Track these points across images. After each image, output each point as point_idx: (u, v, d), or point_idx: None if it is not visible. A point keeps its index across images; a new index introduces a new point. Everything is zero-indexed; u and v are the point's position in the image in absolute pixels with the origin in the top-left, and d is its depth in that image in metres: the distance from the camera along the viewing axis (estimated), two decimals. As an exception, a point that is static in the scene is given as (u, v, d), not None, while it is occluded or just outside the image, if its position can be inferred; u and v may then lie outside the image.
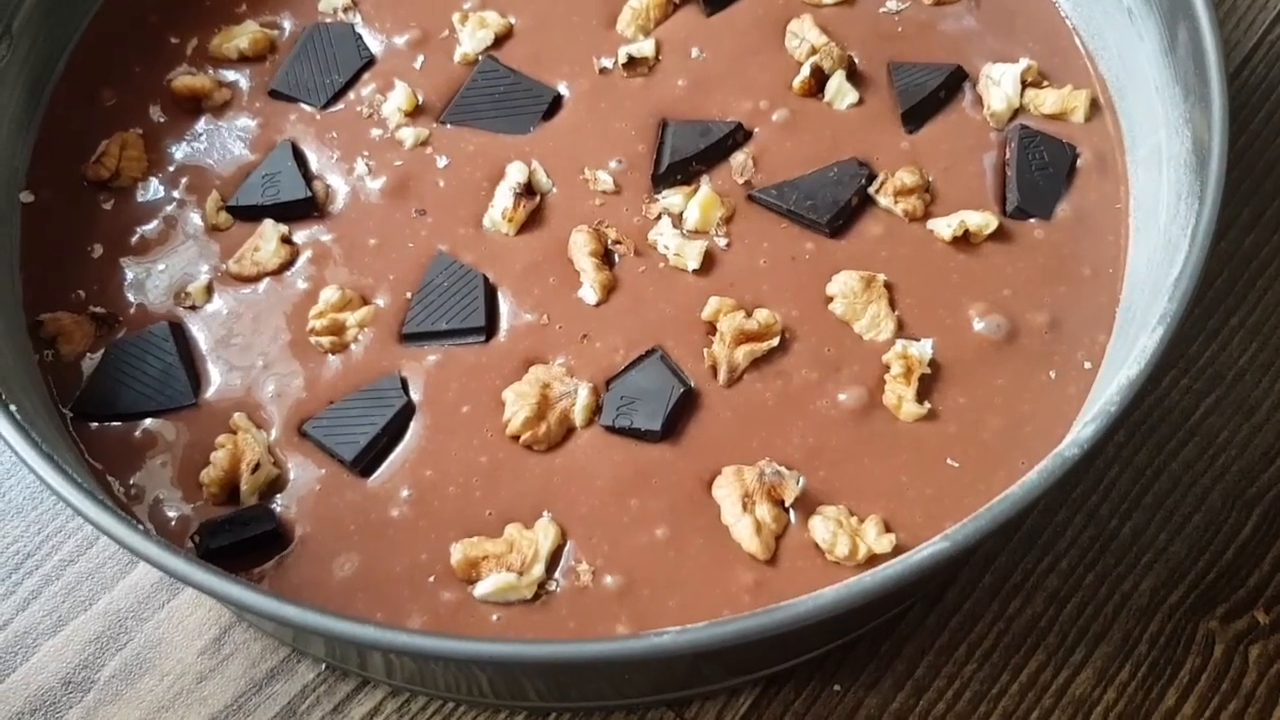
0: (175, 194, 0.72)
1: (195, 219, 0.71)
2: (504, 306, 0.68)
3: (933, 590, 0.68)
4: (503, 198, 0.70)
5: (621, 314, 0.67)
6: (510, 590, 0.60)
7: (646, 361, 0.66)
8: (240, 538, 0.60)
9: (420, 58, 0.75)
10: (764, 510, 0.61)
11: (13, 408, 0.56)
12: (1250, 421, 0.72)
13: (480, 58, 0.75)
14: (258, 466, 0.62)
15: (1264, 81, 0.83)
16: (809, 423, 0.64)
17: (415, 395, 0.65)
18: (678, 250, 0.68)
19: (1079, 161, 0.71)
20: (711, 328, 0.67)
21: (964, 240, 0.69)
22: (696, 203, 0.69)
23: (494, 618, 0.60)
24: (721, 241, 0.69)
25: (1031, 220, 0.70)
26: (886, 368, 0.65)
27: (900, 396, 0.64)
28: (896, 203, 0.70)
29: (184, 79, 0.74)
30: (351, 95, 0.74)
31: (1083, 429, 0.54)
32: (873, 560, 0.60)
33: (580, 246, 0.68)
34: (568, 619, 0.60)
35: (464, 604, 0.60)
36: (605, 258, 0.69)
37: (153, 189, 0.72)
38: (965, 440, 0.64)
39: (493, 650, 0.49)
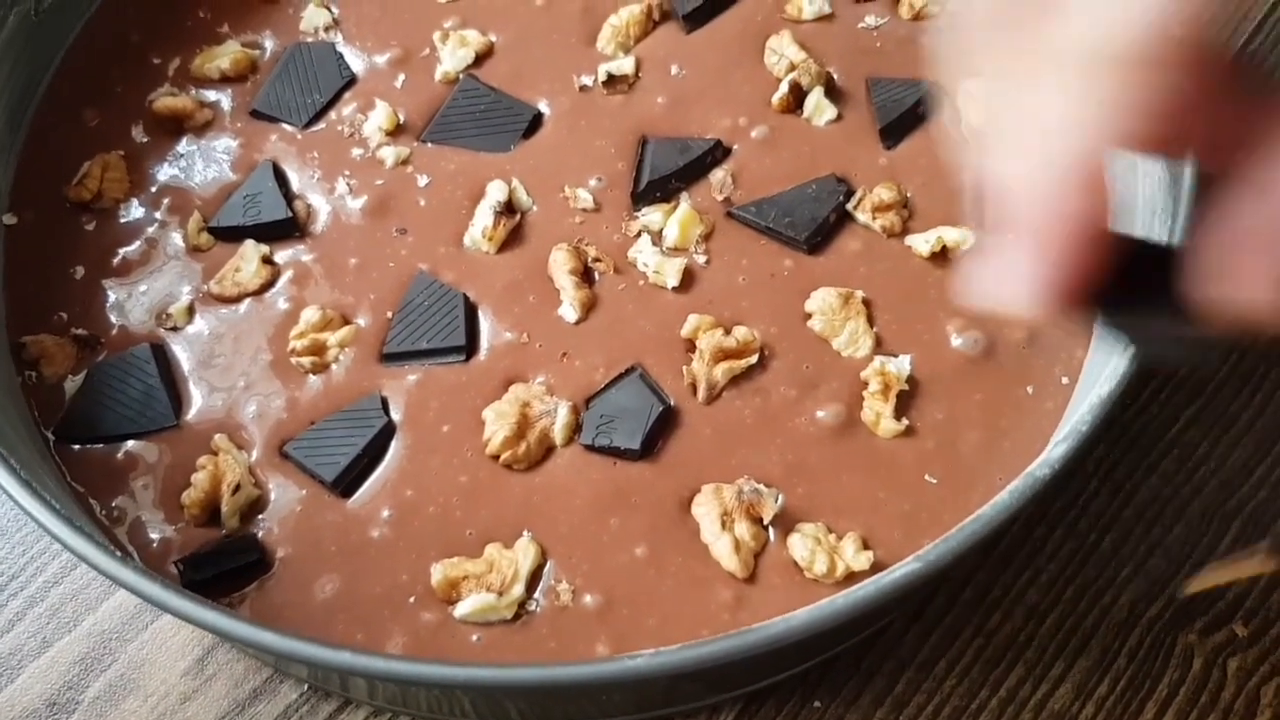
0: (157, 215, 0.72)
1: (177, 240, 0.71)
2: (484, 325, 0.68)
3: (912, 606, 0.68)
4: (483, 216, 0.70)
5: (601, 332, 0.68)
6: (490, 610, 0.60)
7: (626, 380, 0.66)
8: (224, 569, 0.61)
9: (401, 76, 0.76)
10: (743, 528, 0.61)
11: (-9, 434, 0.56)
12: (1229, 434, 0.73)
13: (461, 76, 0.75)
14: (238, 488, 0.63)
15: (1243, 92, 0.83)
16: (788, 440, 0.64)
17: (396, 415, 0.66)
18: (657, 268, 0.69)
19: (1057, 176, 0.72)
20: (691, 345, 0.67)
21: (942, 256, 0.69)
22: (676, 220, 0.70)
23: (474, 638, 0.60)
24: (701, 259, 0.70)
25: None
26: (864, 384, 0.65)
27: (878, 413, 0.64)
28: (875, 219, 0.70)
29: (166, 99, 0.75)
30: (333, 115, 0.75)
31: (1054, 448, 0.54)
32: (851, 578, 0.60)
33: (560, 264, 0.69)
34: (548, 639, 0.60)
35: (444, 624, 0.60)
36: (585, 276, 0.69)
37: (134, 210, 0.72)
38: (943, 456, 0.64)
39: (469, 675, 0.50)
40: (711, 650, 0.49)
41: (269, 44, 0.78)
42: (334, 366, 0.67)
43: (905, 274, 0.69)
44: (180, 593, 0.52)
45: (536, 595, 0.61)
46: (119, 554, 0.53)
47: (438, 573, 0.61)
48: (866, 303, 0.68)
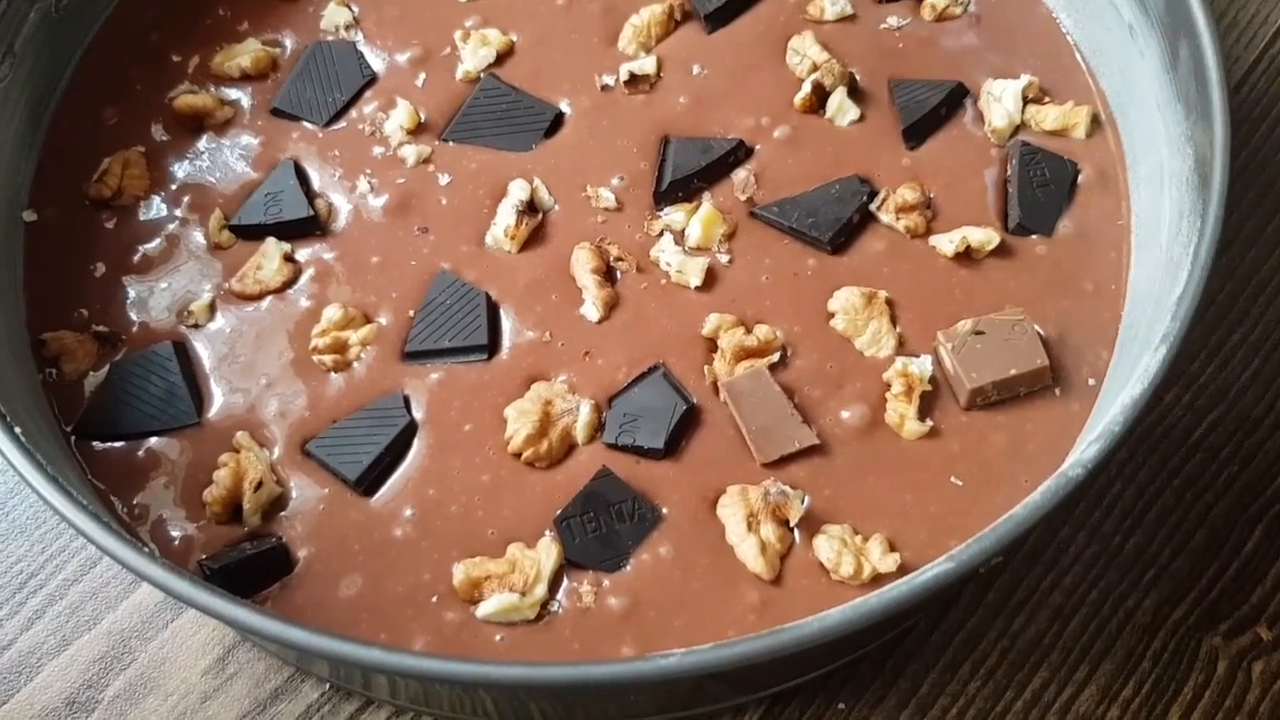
0: (177, 212, 0.72)
1: (198, 237, 0.71)
2: (506, 324, 0.68)
3: (937, 607, 0.68)
4: (505, 215, 0.70)
5: (623, 331, 0.67)
6: (513, 611, 0.60)
7: (649, 379, 0.66)
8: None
9: (422, 75, 0.75)
10: (769, 530, 0.61)
11: (18, 430, 0.56)
12: (1252, 438, 0.72)
13: (482, 75, 0.75)
14: (260, 485, 0.62)
15: (1265, 95, 0.83)
16: (812, 440, 0.64)
17: (418, 414, 0.65)
18: (680, 267, 0.68)
19: (1080, 178, 0.71)
20: (713, 344, 0.67)
21: (966, 256, 0.69)
22: (698, 220, 0.70)
23: (497, 638, 0.60)
24: (724, 258, 0.69)
25: (1033, 236, 0.70)
26: (888, 385, 0.65)
27: (902, 415, 0.64)
28: (898, 219, 0.70)
29: (186, 97, 0.74)
30: (354, 113, 0.74)
31: (1086, 449, 0.54)
32: (877, 579, 0.60)
33: (582, 264, 0.68)
34: (571, 640, 0.60)
35: (467, 624, 0.60)
36: (607, 275, 0.69)
37: (155, 207, 0.72)
38: (968, 458, 0.64)
39: (503, 673, 0.49)
40: (744, 650, 0.49)
41: (289, 42, 0.77)
42: (356, 365, 0.67)
43: (929, 274, 0.69)
44: (211, 590, 0.51)
45: (559, 596, 0.61)
46: (147, 550, 0.53)
47: (460, 572, 0.61)
48: (890, 303, 0.68)
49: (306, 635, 0.50)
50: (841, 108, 0.73)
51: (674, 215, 0.70)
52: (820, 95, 0.73)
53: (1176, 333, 0.56)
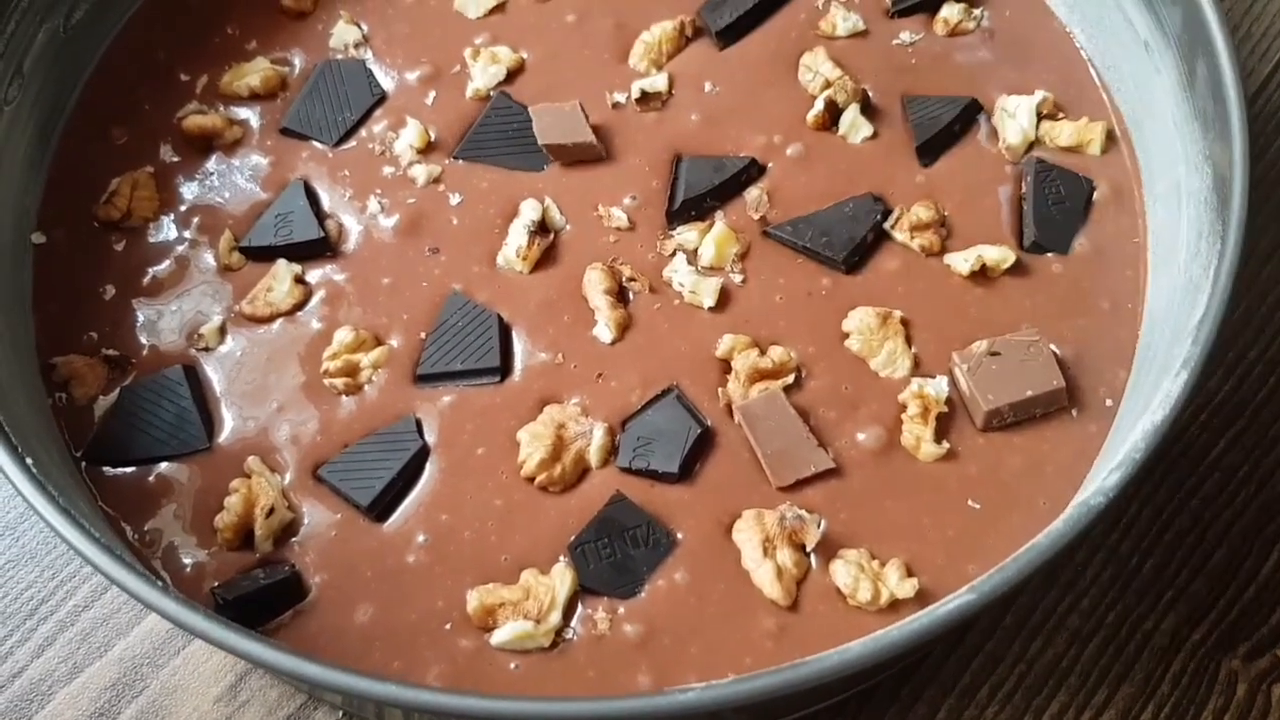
0: (187, 234, 0.71)
1: (208, 259, 0.70)
2: (518, 346, 0.67)
3: (955, 633, 0.68)
4: (516, 236, 0.69)
5: (637, 352, 0.67)
6: (527, 638, 0.59)
7: (663, 401, 0.65)
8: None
9: (432, 94, 0.75)
10: (785, 555, 0.60)
11: (29, 461, 0.55)
12: (1270, 456, 0.72)
13: (492, 93, 0.75)
14: (272, 511, 0.62)
15: None
16: (828, 463, 0.64)
17: (430, 437, 0.65)
18: (693, 287, 0.68)
19: (1095, 195, 0.71)
20: (727, 366, 0.66)
21: (981, 275, 0.68)
22: (711, 239, 0.69)
23: (512, 666, 0.59)
24: (737, 278, 0.69)
25: (1049, 255, 0.69)
26: (904, 407, 0.65)
27: (918, 437, 0.64)
28: (913, 238, 0.69)
29: (195, 118, 0.74)
30: (363, 132, 0.74)
31: (1108, 476, 0.53)
32: (895, 605, 0.59)
33: (594, 284, 0.68)
34: (586, 668, 0.59)
35: (481, 652, 0.59)
36: (620, 295, 0.68)
37: (165, 229, 0.72)
38: (985, 481, 0.63)
39: (515, 708, 0.49)
40: (765, 684, 0.48)
41: (298, 61, 0.77)
42: (367, 388, 0.66)
43: (944, 293, 0.68)
44: (225, 624, 0.51)
45: (574, 623, 0.60)
46: (160, 583, 0.52)
47: (474, 600, 0.60)
48: (905, 322, 0.67)
49: (321, 670, 0.49)
50: (854, 125, 0.73)
51: (687, 235, 0.70)
52: (833, 112, 0.73)
53: (1197, 357, 0.55)
